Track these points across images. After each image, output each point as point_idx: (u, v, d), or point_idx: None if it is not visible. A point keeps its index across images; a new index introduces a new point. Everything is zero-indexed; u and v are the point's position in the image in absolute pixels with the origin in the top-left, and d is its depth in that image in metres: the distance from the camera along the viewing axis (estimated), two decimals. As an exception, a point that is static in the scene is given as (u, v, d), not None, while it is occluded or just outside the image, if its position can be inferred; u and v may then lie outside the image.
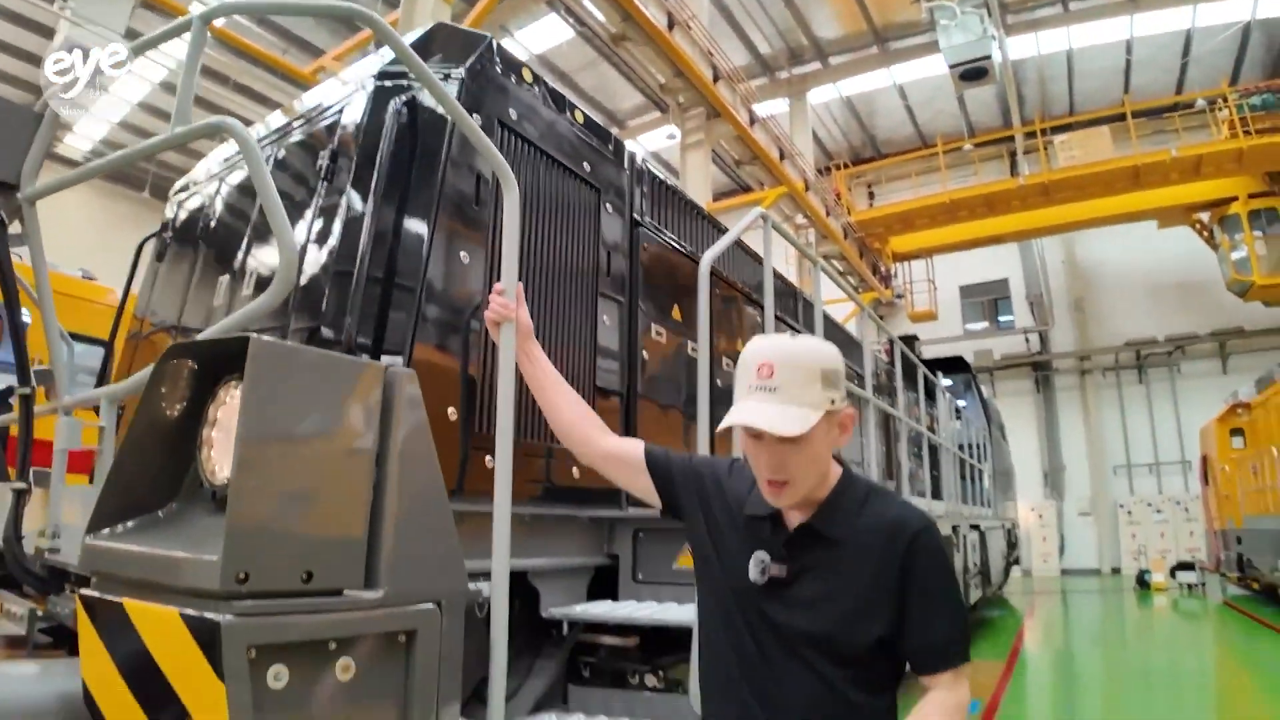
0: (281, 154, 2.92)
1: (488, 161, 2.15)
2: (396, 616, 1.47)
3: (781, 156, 17.26)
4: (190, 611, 1.25)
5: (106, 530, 1.44)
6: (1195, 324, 22.13)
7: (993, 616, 13.56)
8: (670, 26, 13.01)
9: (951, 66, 18.21)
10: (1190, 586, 16.83)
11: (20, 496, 1.95)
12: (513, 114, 2.79)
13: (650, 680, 2.78)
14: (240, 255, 2.87)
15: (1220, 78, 20.28)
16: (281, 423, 1.36)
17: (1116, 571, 21.66)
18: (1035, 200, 20.36)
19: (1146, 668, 9.63)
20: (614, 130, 16.67)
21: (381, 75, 2.63)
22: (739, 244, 4.42)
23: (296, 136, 2.95)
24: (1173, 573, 17.41)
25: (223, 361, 1.46)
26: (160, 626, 1.30)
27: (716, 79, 14.52)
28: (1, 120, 2.12)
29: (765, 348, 1.53)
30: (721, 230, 4.55)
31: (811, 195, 18.67)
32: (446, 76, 2.52)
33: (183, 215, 3.55)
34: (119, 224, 24.69)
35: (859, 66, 21.59)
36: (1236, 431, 15.46)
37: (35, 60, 19.59)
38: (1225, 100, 18.78)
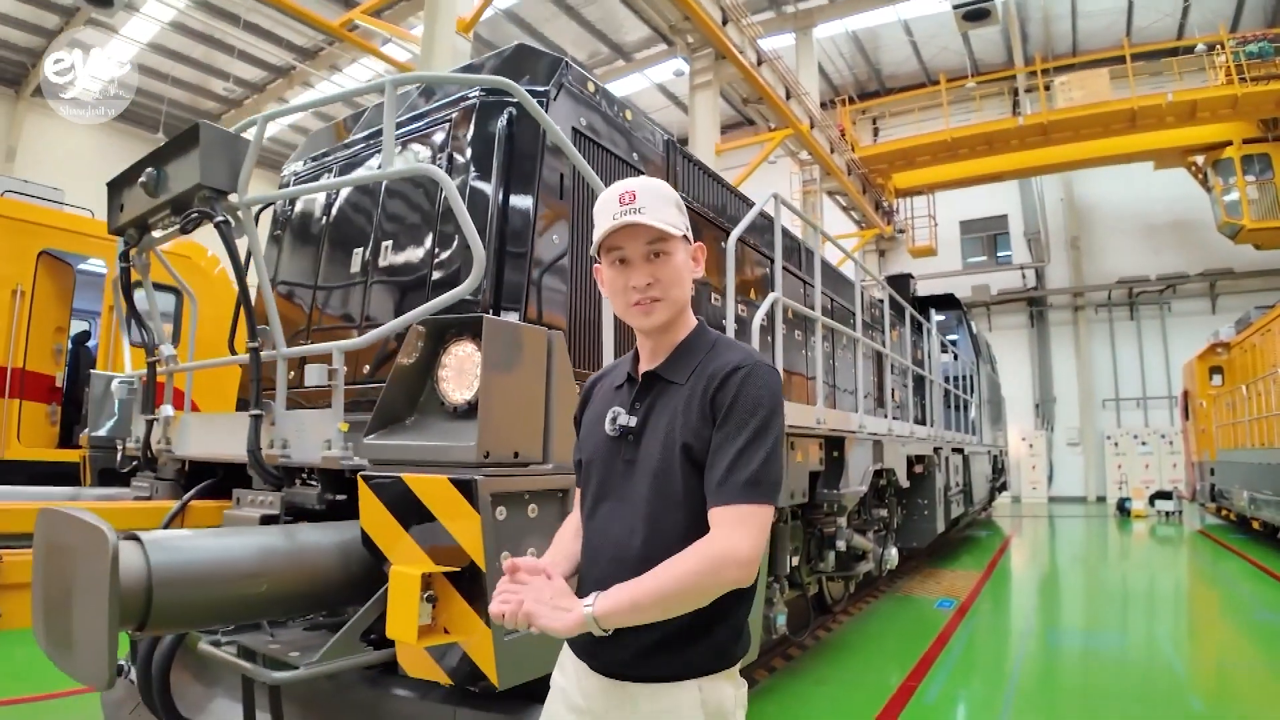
0: (398, 149, 3.70)
1: (585, 178, 2.93)
2: (558, 480, 2.33)
3: (788, 96, 17.69)
4: (455, 476, 2.10)
5: (376, 434, 2.31)
6: (1187, 264, 22.74)
7: (979, 536, 14.62)
8: (681, -29, 13.42)
9: (955, 6, 18.55)
10: (1168, 514, 17.67)
11: (258, 420, 2.79)
12: (583, 121, 3.57)
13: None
14: (371, 230, 3.66)
15: (1220, 23, 20.46)
16: (501, 365, 2.19)
17: (1101, 500, 22.66)
18: (1034, 140, 20.78)
19: (1112, 581, 10.60)
20: (620, 63, 17.07)
21: (488, 93, 3.40)
22: (731, 188, 5.24)
23: (404, 139, 3.73)
24: (1151, 501, 18.22)
25: (447, 327, 2.30)
26: (431, 488, 2.15)
27: (725, 22, 14.92)
28: (223, 144, 2.87)
29: (622, 184, 1.60)
30: (738, 195, 5.34)
31: (816, 133, 19.12)
32: (540, 95, 3.30)
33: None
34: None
35: (865, 2, 21.61)
36: (1216, 369, 16.28)
37: (53, 8, 19.85)
38: (1223, 46, 18.98)
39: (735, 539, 1.42)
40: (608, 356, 2.87)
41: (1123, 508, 18.87)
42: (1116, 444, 22.73)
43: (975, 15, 18.66)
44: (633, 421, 1.60)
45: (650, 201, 1.55)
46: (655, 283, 1.57)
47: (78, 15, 19.87)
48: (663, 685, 1.52)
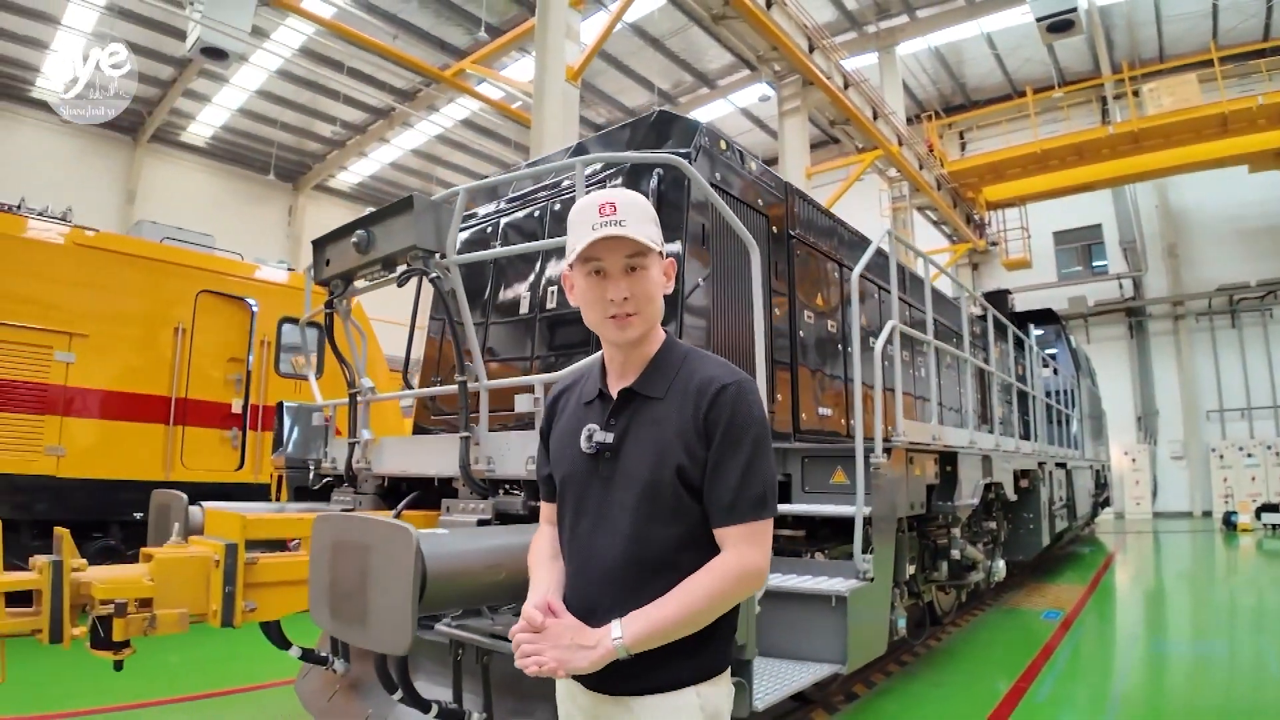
0: (556, 207, 4.24)
1: (734, 229, 3.39)
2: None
3: (875, 116, 17.92)
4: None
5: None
6: (1287, 268, 22.04)
7: (1083, 552, 14.52)
8: (769, 5, 13.87)
9: (1038, 19, 18.49)
10: (1275, 527, 17.31)
11: (467, 441, 3.32)
12: (718, 176, 4.05)
13: (819, 556, 4.10)
14: (536, 277, 4.21)
15: (1305, 20, 19.97)
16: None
17: (1208, 514, 21.98)
18: (1125, 148, 20.55)
19: (1218, 595, 10.57)
20: (704, 91, 17.66)
21: (634, 164, 3.90)
22: (840, 221, 5.65)
23: (556, 204, 4.27)
24: (1258, 514, 17.86)
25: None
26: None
27: (812, 49, 15.30)
28: (431, 211, 3.41)
29: (601, 194, 1.60)
30: (847, 229, 5.75)
31: (905, 151, 19.30)
32: (683, 157, 3.78)
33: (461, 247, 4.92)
34: (246, 200, 27.02)
35: (946, 19, 21.81)
36: (1320, 377, 15.88)
37: (167, 60, 21.38)
38: (1310, 45, 18.48)
39: (751, 555, 1.52)
40: (761, 383, 3.31)
41: (1229, 522, 18.47)
42: (1221, 456, 22.06)
43: (1059, 27, 18.51)
44: (609, 438, 1.60)
45: (630, 214, 1.55)
46: (632, 297, 1.57)
47: (191, 66, 21.27)
48: (662, 695, 1.55)
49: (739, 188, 4.24)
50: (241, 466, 8.55)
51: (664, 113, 4.14)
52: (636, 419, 1.60)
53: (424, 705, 3.08)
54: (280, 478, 4.84)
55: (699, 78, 23.99)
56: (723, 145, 4.18)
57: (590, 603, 1.56)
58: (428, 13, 20.16)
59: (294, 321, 9.24)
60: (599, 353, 1.73)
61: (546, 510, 1.84)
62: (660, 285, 1.62)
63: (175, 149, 25.97)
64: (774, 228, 4.55)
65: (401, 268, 3.56)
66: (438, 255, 3.39)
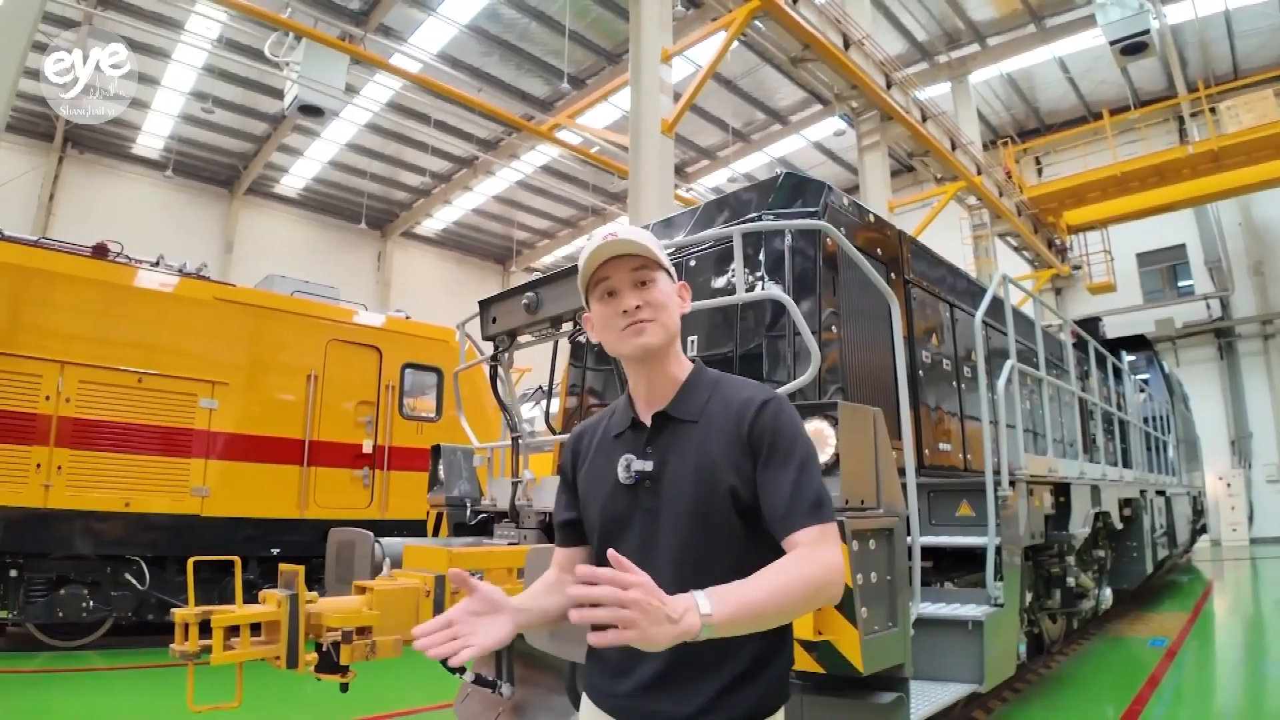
0: (692, 264, 4.67)
1: (878, 289, 3.76)
2: (887, 521, 3.10)
3: (953, 147, 18.06)
4: (829, 518, 2.93)
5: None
6: (1378, 282, 21.30)
7: (1181, 580, 14.30)
8: (847, 46, 14.26)
9: (1111, 43, 18.44)
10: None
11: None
12: (843, 230, 4.41)
13: (948, 585, 4.39)
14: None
15: (1377, 30, 19.46)
16: (850, 436, 3.00)
17: (1307, 539, 21.23)
18: (1206, 167, 20.21)
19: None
20: (776, 127, 17.96)
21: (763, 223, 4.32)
22: (942, 259, 5.97)
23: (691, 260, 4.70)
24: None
25: (803, 409, 3.16)
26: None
27: (889, 86, 15.60)
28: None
29: (603, 228, 1.64)
30: (950, 266, 6.06)
31: (985, 179, 19.37)
32: (812, 215, 4.18)
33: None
34: (337, 248, 28.31)
35: (1017, 46, 21.78)
36: None
37: (263, 116, 22.73)
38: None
39: (834, 551, 1.43)
40: (906, 425, 3.66)
41: (1328, 546, 17.85)
42: (1319, 478, 21.27)
43: (1133, 49, 18.44)
44: (649, 465, 1.55)
45: (632, 236, 1.56)
46: (645, 305, 1.55)
47: (285, 122, 22.47)
48: None
49: (862, 240, 4.61)
50: (370, 504, 9.14)
51: (790, 174, 4.54)
52: (675, 444, 1.56)
53: None
54: (440, 515, 5.30)
55: (771, 114, 24.35)
56: (845, 202, 4.57)
57: (633, 652, 1.34)
58: (509, 65, 21.00)
59: (417, 367, 9.90)
60: (624, 394, 1.71)
61: (559, 556, 1.76)
62: (674, 299, 1.61)
63: (269, 200, 27.44)
64: (891, 274, 4.90)
65: (568, 325, 4.01)
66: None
